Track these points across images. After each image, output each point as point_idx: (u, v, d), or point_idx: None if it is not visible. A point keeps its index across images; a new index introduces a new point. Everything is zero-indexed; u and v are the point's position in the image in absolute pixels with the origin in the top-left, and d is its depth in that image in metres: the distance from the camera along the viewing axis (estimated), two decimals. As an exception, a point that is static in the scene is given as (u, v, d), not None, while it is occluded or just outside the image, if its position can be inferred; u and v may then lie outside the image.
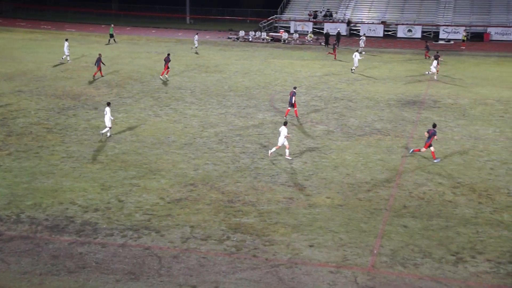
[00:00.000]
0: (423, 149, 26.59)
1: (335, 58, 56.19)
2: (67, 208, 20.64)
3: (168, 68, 44.76)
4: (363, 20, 78.51)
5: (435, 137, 26.44)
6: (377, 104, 37.80)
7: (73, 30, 75.21)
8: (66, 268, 16.67)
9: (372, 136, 30.34)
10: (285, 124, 26.35)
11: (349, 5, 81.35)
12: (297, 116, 33.93)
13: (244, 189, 22.88)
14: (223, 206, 21.18)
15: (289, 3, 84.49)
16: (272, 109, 35.94)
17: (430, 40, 69.17)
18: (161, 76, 44.77)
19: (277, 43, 69.68)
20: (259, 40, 71.10)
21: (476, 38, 71.93)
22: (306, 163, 26.05)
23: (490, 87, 43.38)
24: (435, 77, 46.14)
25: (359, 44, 61.49)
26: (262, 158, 26.51)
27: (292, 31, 76.86)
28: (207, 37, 72.37)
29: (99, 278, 16.19)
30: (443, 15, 77.01)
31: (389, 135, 30.64)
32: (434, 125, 27.27)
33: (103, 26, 78.29)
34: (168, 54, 46.15)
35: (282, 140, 26.03)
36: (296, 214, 20.61)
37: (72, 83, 41.77)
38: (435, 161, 26.31)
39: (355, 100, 38.94)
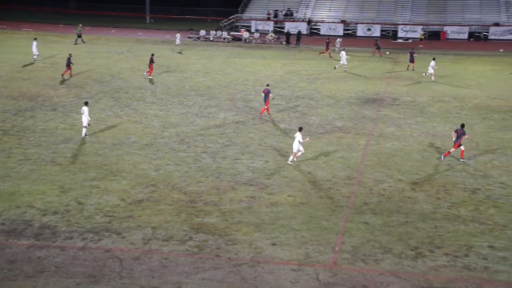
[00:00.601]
0: (453, 149, 26.48)
1: (330, 57, 56.76)
2: (24, 212, 20.22)
3: (152, 68, 44.94)
4: (323, 19, 79.17)
5: (466, 136, 26.33)
6: (337, 102, 38.14)
7: (30, 30, 73.79)
8: (24, 273, 16.32)
9: (333, 134, 30.60)
10: (300, 129, 25.75)
11: (309, 5, 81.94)
12: (268, 114, 34.14)
13: (206, 189, 22.81)
14: (185, 206, 21.06)
15: (250, 3, 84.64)
16: (234, 109, 35.93)
17: (379, 38, 70.16)
18: (149, 76, 44.94)
19: (238, 43, 69.71)
20: (220, 40, 71.00)
21: (433, 37, 73.36)
22: (268, 161, 26.11)
23: (447, 85, 44.23)
24: (432, 78, 45.41)
25: (335, 44, 61.99)
26: (224, 158, 26.47)
27: (253, 30, 77.05)
28: (167, 36, 71.89)
29: (58, 282, 15.91)
30: (401, 14, 78.27)
31: (350, 133, 30.96)
32: (463, 125, 26.98)
33: (60, 25, 77.12)
34: (152, 54, 46.19)
35: (296, 146, 25.44)
36: (259, 213, 20.64)
37: (29, 84, 40.98)
38: (461, 160, 26.46)
39: (316, 98, 39.22)
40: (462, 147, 26.55)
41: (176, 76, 45.96)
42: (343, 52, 50.09)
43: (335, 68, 50.26)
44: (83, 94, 38.41)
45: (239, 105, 37.03)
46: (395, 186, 23.39)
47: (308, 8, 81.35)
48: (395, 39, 72.66)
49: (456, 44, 69.42)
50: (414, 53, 50.91)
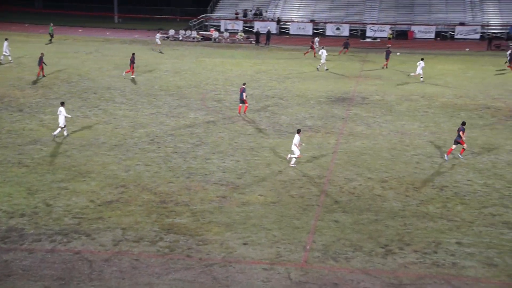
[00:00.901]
0: (465, 146, 26.79)
1: (314, 55, 57.09)
2: (-9, 214, 19.85)
3: (133, 68, 44.70)
4: (292, 18, 79.42)
5: (462, 133, 26.58)
6: (307, 101, 38.31)
7: (-5, 29, 72.49)
8: (-9, 277, 16.04)
9: (303, 133, 30.68)
10: (298, 132, 25.72)
11: (278, 4, 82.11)
12: (244, 113, 34.24)
13: (177, 189, 22.69)
14: (155, 207, 20.92)
15: (219, 2, 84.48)
16: (204, 108, 35.81)
17: (349, 37, 70.73)
18: (131, 75, 44.63)
19: (207, 42, 69.50)
20: (189, 39, 70.70)
21: (401, 36, 74.15)
22: (238, 161, 26.09)
23: (415, 84, 44.76)
24: (421, 79, 45.56)
25: (313, 43, 62.09)
26: (194, 158, 26.36)
27: (222, 29, 76.87)
28: (136, 36, 71.34)
29: (26, 286, 15.65)
30: (370, 14, 78.97)
31: (320, 131, 31.12)
32: (464, 123, 27.27)
33: (26, 24, 75.89)
34: (133, 54, 45.86)
35: (295, 148, 25.41)
36: (230, 212, 20.61)
37: (-5, 85, 40.26)
38: (460, 156, 26.96)
39: (286, 98, 39.34)
40: (465, 146, 26.95)
41: (145, 76, 45.62)
42: (323, 51, 50.39)
43: (317, 68, 50.45)
44: (50, 95, 37.87)
45: (210, 104, 36.93)
46: (365, 184, 23.59)
47: (277, 8, 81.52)
48: (364, 39, 73.27)
49: (423, 43, 70.33)
50: (390, 52, 51.92)
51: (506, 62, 52.27)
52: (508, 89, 42.83)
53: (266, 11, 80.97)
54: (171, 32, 72.05)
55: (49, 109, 34.07)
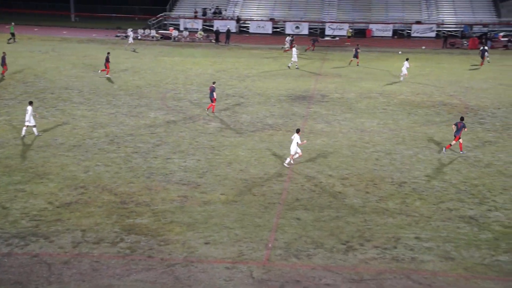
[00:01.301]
0: (453, 142, 27.40)
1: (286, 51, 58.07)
2: None
3: (108, 67, 44.40)
4: (252, 17, 79.53)
5: (465, 129, 27.37)
6: (268, 100, 38.42)
7: None
8: None
9: (264, 132, 30.79)
10: (297, 131, 25.33)
11: (238, 3, 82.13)
12: (213, 112, 34.24)
13: (138, 189, 22.48)
14: (115, 207, 20.67)
15: (178, 1, 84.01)
16: (165, 108, 35.55)
17: (318, 35, 71.41)
18: (106, 75, 44.29)
19: (167, 41, 69.09)
20: (148, 38, 70.12)
21: (359, 34, 75.03)
22: (199, 160, 26.00)
23: (373, 81, 45.37)
24: (402, 78, 45.75)
25: (284, 43, 62.28)
26: (155, 157, 26.16)
27: (181, 28, 76.47)
28: (93, 35, 70.36)
29: (-17, 291, 15.31)
30: (328, 13, 79.67)
31: (281, 130, 31.24)
32: (462, 118, 27.98)
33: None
34: (108, 53, 45.48)
35: (294, 148, 25.13)
36: (191, 212, 20.52)
37: None
38: (461, 152, 27.39)
39: (246, 96, 39.37)
40: (461, 140, 27.45)
41: (104, 75, 45.01)
42: (294, 49, 50.77)
43: (288, 66, 50.69)
44: (5, 95, 37.04)
45: (170, 104, 36.68)
46: (326, 181, 23.78)
47: (236, 6, 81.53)
48: (323, 37, 73.87)
49: (381, 42, 71.33)
50: (358, 49, 53.09)
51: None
52: (463, 86, 43.78)
53: (225, 10, 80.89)
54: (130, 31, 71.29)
55: (4, 110, 33.32)
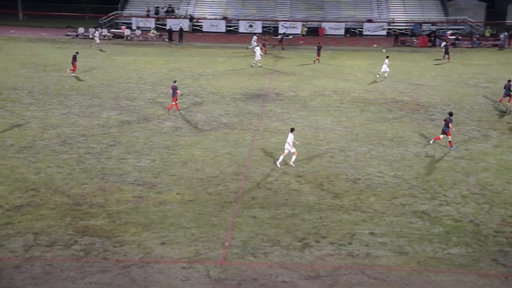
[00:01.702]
0: (442, 136, 28.08)
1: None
2: None
3: (75, 66, 44.11)
4: (205, 16, 79.24)
5: (450, 125, 27.72)
6: (222, 98, 38.36)
7: None
8: None
9: (219, 131, 30.73)
10: (291, 130, 25.23)
11: (190, 1, 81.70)
12: (169, 110, 34.24)
13: (91, 190, 22.12)
14: (69, 209, 20.29)
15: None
16: (118, 108, 35.09)
17: (284, 33, 71.87)
18: (73, 74, 44.23)
19: (119, 40, 68.24)
20: (100, 37, 69.02)
21: (312, 33, 75.63)
22: (154, 160, 25.76)
23: (327, 79, 45.83)
24: (385, 75, 46.34)
25: (251, 42, 61.98)
26: (109, 158, 25.79)
27: (134, 27, 75.57)
28: (43, 34, 68.87)
29: None
30: (281, 11, 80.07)
31: (236, 128, 31.23)
32: (451, 113, 28.50)
33: None
34: (77, 53, 45.02)
35: (289, 147, 24.97)
36: (147, 212, 20.32)
37: None
38: (451, 148, 28.06)
39: (201, 95, 39.22)
40: (449, 137, 28.08)
41: (54, 75, 44.14)
42: (257, 48, 50.92)
43: (252, 65, 50.77)
44: (-48, 96, 35.93)
45: (123, 103, 36.22)
46: (281, 179, 23.90)
47: (189, 5, 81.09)
48: (277, 35, 74.18)
49: (334, 40, 72.10)
50: (321, 47, 54.11)
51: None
52: (413, 83, 44.64)
53: (178, 9, 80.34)
54: (81, 30, 70.12)
55: (-50, 111, 32.34)
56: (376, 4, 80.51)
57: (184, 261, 17.07)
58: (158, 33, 71.17)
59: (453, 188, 23.21)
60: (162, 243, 18.09)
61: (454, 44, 66.89)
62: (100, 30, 70.10)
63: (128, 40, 68.43)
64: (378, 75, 46.75)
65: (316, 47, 54.57)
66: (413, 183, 23.75)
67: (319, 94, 40.30)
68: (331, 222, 19.89)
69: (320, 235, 18.93)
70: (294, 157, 25.42)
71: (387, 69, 46.03)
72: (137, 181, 23.25)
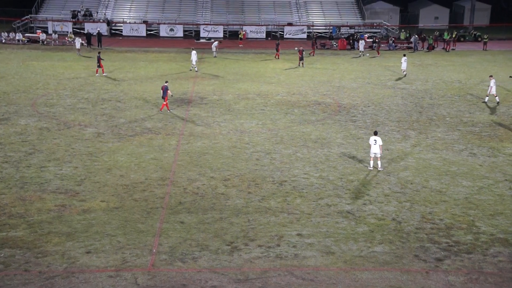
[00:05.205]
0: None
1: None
2: None
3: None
4: (124, 20, 77.91)
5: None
6: (146, 103, 37.82)
7: None
8: None
9: (143, 136, 30.27)
10: (375, 133, 25.98)
11: (109, 5, 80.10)
12: (168, 109, 35.09)
13: (10, 200, 21.24)
14: (-14, 222, 19.40)
15: (45, 2, 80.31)
16: (36, 114, 33.89)
17: (278, 39, 72.02)
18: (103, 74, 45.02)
19: (35, 45, 65.98)
20: (13, 42, 66.61)
21: (234, 36, 75.91)
22: (77, 168, 25.05)
23: (250, 82, 46.10)
24: (403, 72, 50.35)
25: (212, 48, 60.76)
26: (28, 166, 24.85)
27: (50, 31, 73.24)
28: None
29: None
30: (202, 15, 79.90)
31: (160, 133, 30.86)
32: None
33: None
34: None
35: (379, 150, 25.72)
36: (70, 221, 19.72)
37: None
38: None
39: (123, 100, 38.51)
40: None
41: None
42: (193, 52, 50.41)
43: (190, 69, 50.30)
44: None
45: (42, 110, 35.03)
46: (208, 183, 23.80)
47: (108, 9, 79.46)
48: (198, 39, 73.97)
49: (255, 43, 72.61)
50: (279, 44, 60.11)
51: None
52: (334, 86, 45.61)
53: (96, 12, 78.57)
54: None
55: None
56: (295, 8, 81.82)
57: (111, 269, 16.67)
58: (76, 37, 69.34)
59: (375, 187, 23.85)
60: (88, 252, 17.60)
61: (371, 47, 68.85)
62: (13, 34, 67.59)
63: (45, 44, 66.28)
64: (403, 72, 50.31)
65: (275, 44, 60.58)
66: (337, 183, 24.23)
67: (243, 98, 40.47)
68: (259, 225, 19.98)
69: (248, 238, 18.98)
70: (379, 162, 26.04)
71: (405, 67, 50.43)
72: (59, 189, 22.53)
